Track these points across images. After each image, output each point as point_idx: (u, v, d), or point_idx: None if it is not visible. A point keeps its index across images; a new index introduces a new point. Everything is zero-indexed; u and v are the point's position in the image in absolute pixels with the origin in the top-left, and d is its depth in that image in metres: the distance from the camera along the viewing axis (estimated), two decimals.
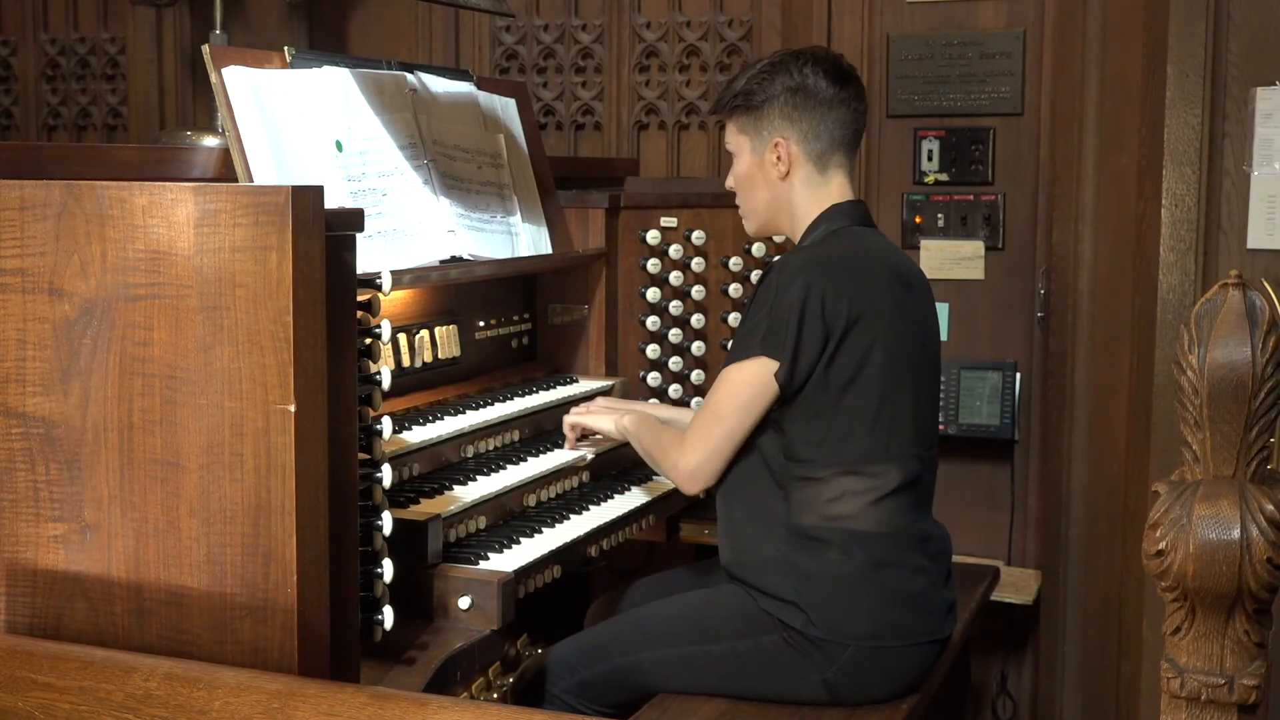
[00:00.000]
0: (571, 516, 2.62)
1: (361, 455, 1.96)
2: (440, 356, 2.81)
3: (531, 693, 2.50)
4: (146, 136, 4.34)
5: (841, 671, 2.37)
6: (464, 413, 2.69)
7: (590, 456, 2.81)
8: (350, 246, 1.86)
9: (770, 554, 2.43)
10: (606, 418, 2.76)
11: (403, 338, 2.68)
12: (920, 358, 2.50)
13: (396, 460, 2.39)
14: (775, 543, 2.43)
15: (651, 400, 3.22)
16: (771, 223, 2.65)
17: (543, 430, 2.91)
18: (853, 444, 2.40)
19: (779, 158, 2.56)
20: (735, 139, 2.63)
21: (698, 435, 2.49)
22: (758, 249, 3.24)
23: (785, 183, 2.57)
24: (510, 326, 3.11)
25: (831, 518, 2.40)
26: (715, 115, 2.74)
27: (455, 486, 2.46)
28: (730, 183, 2.69)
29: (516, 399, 2.86)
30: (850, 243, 2.51)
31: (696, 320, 3.22)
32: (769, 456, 2.46)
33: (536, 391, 2.95)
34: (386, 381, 1.99)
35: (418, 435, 2.50)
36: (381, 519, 2.02)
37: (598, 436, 2.83)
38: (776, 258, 3.20)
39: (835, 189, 2.57)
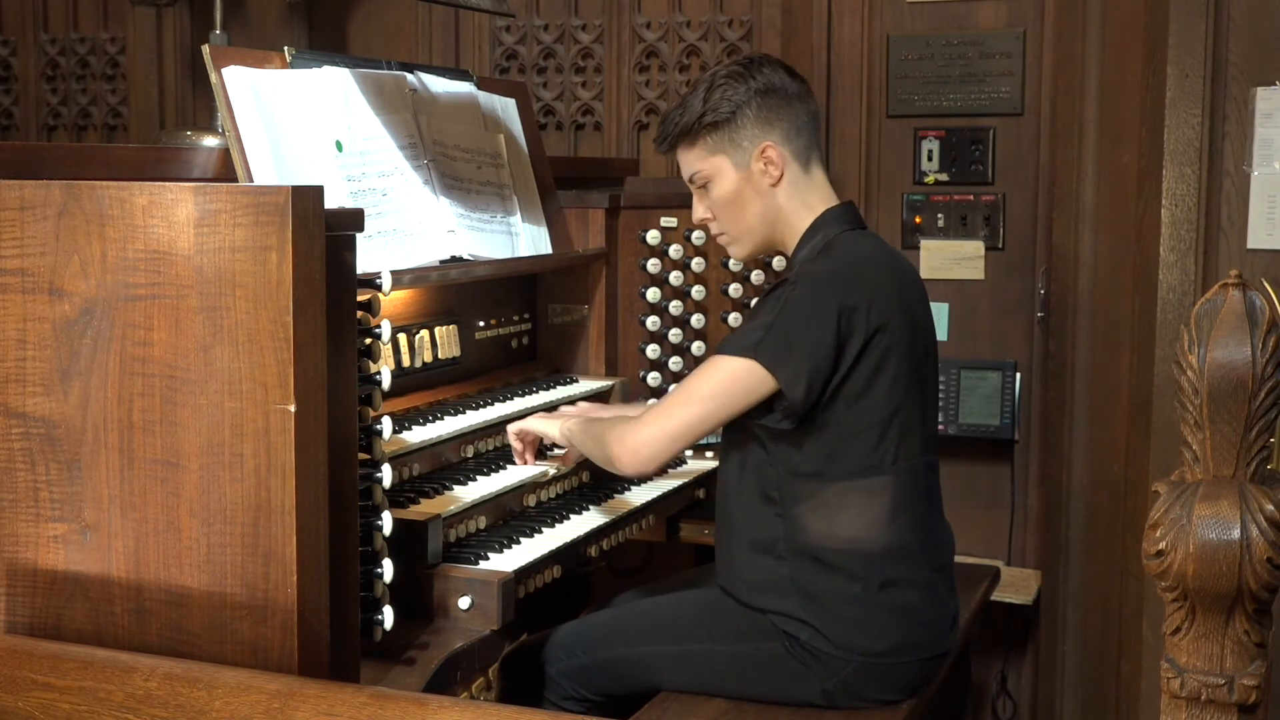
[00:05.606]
0: (571, 516, 2.62)
1: (361, 455, 1.96)
2: (440, 356, 2.81)
3: (525, 668, 2.50)
4: (146, 136, 4.34)
5: (842, 684, 2.36)
6: (464, 413, 2.69)
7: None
8: (350, 246, 1.86)
9: (772, 576, 2.39)
10: (551, 423, 2.65)
11: (403, 338, 2.68)
12: (925, 365, 2.46)
13: (396, 460, 2.39)
14: (777, 564, 2.39)
15: (651, 401, 3.22)
16: (768, 238, 2.52)
17: None
18: (861, 456, 2.35)
19: (768, 162, 2.44)
20: (707, 162, 2.47)
21: (658, 411, 2.38)
22: None
23: (777, 189, 2.46)
24: (510, 326, 3.11)
25: (839, 538, 2.35)
26: (670, 150, 2.51)
27: (455, 486, 2.46)
28: (702, 214, 2.53)
29: (517, 399, 2.86)
30: (855, 251, 2.42)
31: (696, 320, 3.22)
32: (769, 477, 2.39)
33: (537, 391, 2.95)
34: (386, 381, 2.00)
35: (418, 435, 2.50)
36: (381, 519, 2.02)
37: (558, 451, 2.70)
38: (776, 263, 3.23)
39: (820, 189, 2.49)
